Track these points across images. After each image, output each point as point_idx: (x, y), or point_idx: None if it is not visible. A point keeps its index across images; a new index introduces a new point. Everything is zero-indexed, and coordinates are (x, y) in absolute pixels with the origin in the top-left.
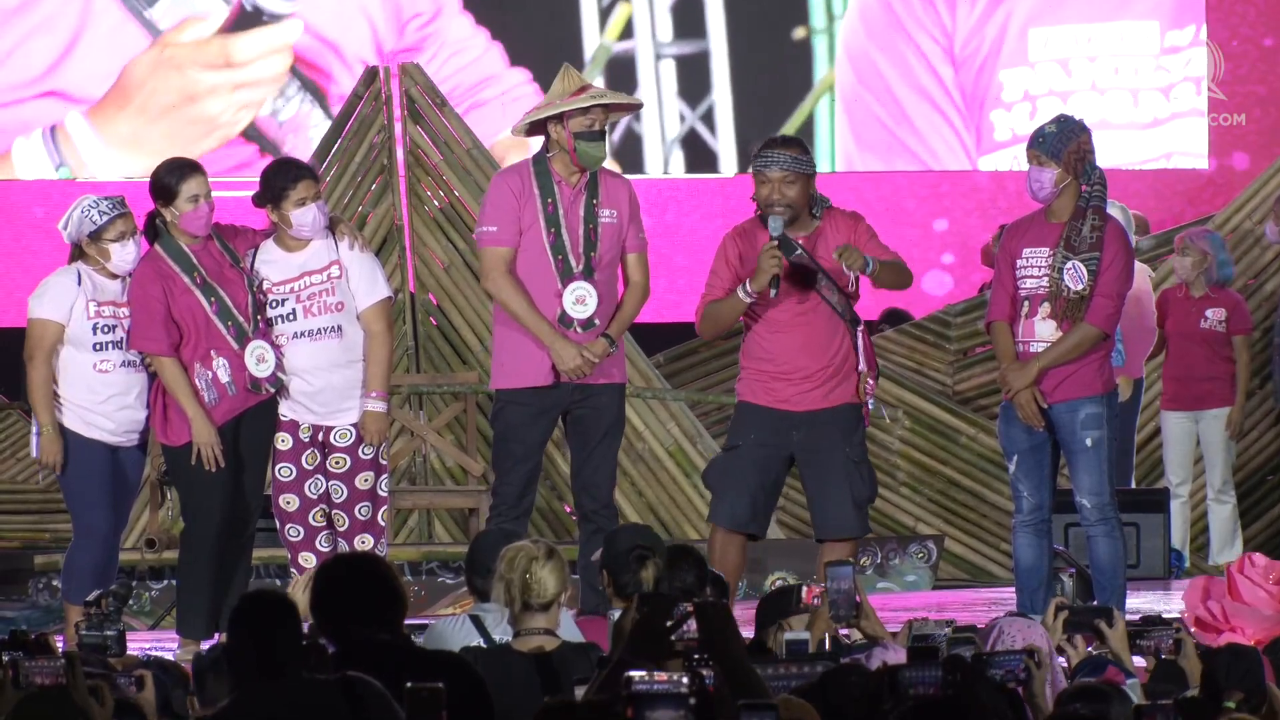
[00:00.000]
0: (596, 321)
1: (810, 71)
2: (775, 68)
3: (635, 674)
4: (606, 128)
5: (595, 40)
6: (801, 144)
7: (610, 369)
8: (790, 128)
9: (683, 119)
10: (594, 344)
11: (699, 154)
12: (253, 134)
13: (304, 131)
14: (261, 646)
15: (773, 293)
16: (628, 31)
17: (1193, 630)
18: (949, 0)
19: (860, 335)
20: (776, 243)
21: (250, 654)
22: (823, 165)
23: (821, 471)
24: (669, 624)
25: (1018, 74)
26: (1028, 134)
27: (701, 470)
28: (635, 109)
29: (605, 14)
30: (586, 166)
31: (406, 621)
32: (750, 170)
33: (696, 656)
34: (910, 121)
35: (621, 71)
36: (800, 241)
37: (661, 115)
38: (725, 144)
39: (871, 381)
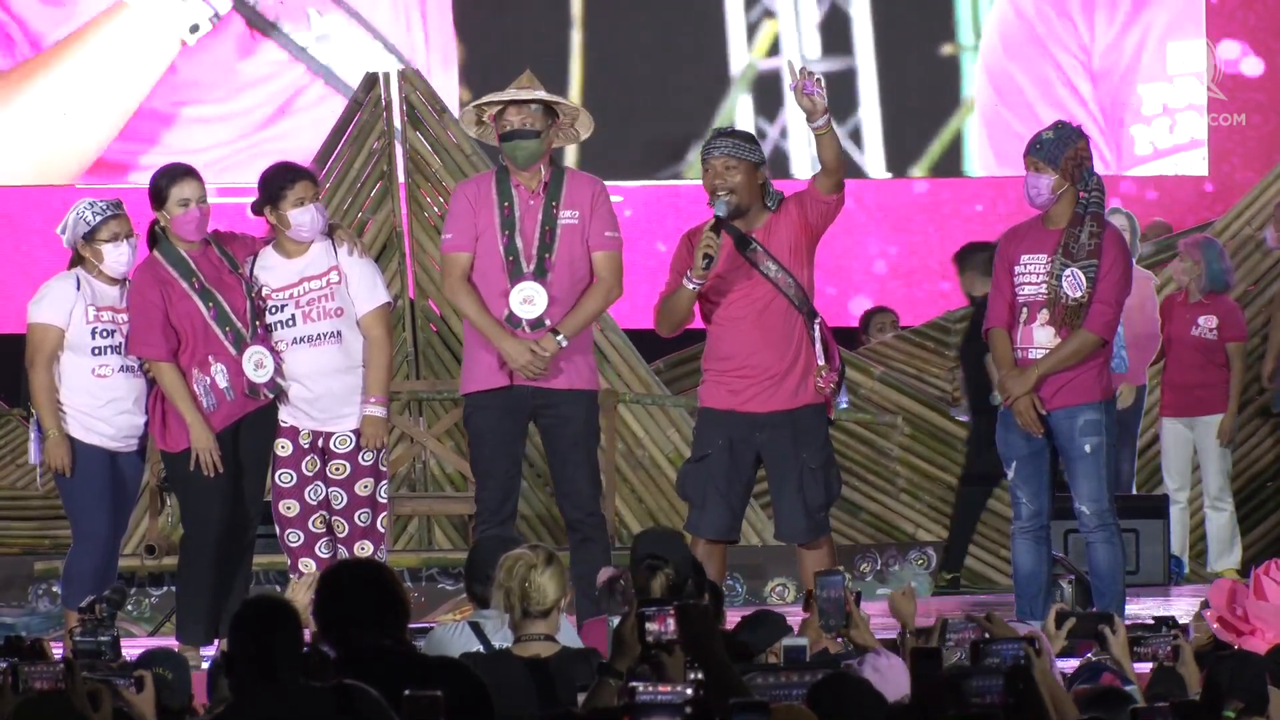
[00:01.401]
0: (546, 322)
1: (958, 88)
2: (923, 84)
3: (639, 684)
4: (542, 126)
5: (742, 58)
6: (748, 134)
7: (574, 375)
8: (939, 144)
9: None
10: (543, 340)
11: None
12: None
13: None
14: (261, 651)
15: (706, 265)
16: (774, 49)
17: (1215, 626)
18: (1087, 15)
19: (817, 328)
20: (713, 222)
21: (250, 658)
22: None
23: (779, 476)
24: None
25: (1156, 88)
26: (1169, 149)
27: None
28: (550, 101)
29: (752, 31)
30: (516, 164)
31: (409, 625)
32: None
33: (689, 660)
34: None
35: (769, 89)
36: (755, 236)
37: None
38: (873, 159)
39: (830, 374)
